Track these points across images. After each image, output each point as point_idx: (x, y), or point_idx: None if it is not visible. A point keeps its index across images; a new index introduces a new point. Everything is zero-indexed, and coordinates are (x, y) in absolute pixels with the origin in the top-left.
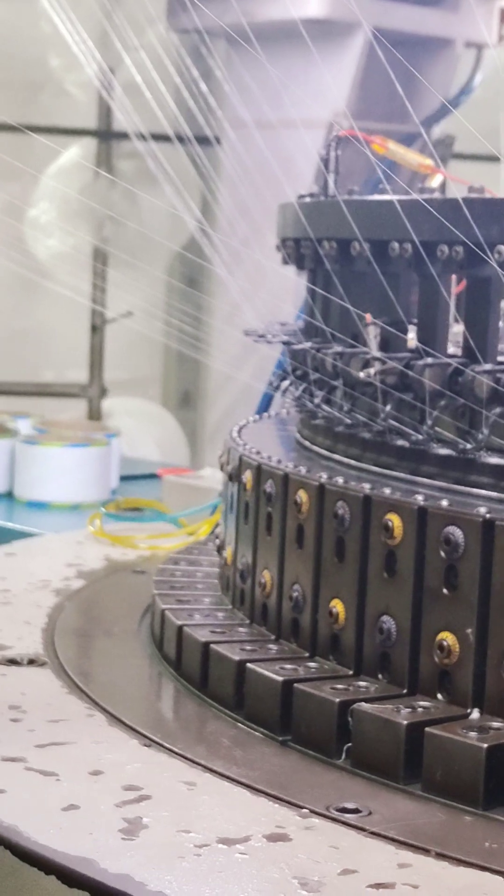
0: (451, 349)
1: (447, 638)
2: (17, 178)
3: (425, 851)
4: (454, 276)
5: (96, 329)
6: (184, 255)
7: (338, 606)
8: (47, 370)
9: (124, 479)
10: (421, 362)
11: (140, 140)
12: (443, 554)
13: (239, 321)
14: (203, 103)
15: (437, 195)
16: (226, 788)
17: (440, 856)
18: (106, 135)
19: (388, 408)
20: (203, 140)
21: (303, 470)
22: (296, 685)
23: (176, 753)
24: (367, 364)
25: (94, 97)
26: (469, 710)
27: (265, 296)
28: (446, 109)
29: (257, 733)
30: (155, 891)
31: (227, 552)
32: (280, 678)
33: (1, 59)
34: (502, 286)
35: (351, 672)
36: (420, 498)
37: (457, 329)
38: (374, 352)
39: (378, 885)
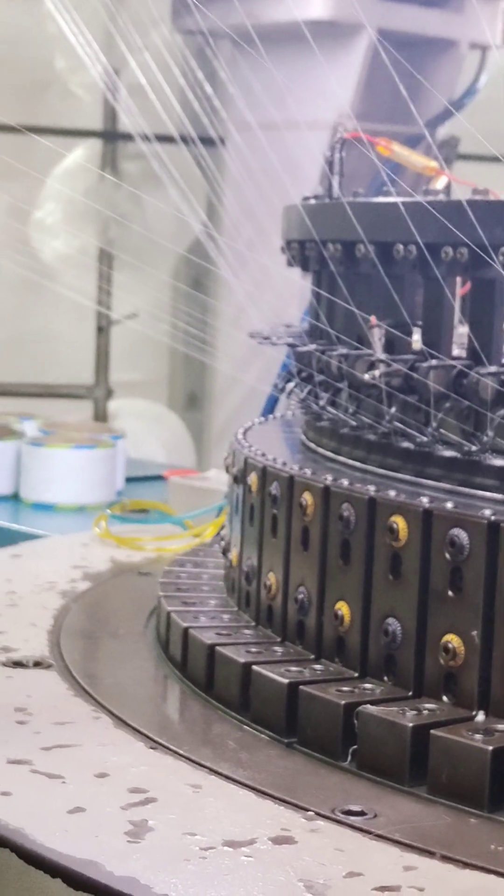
0: (455, 351)
1: (452, 640)
2: (23, 180)
3: (431, 854)
4: (459, 278)
5: (102, 330)
6: (190, 257)
7: (343, 609)
8: (53, 371)
9: (130, 480)
10: (426, 364)
11: (145, 142)
12: (448, 556)
13: (244, 323)
14: (208, 105)
15: (441, 197)
16: (231, 791)
17: (446, 858)
18: (111, 136)
19: (392, 410)
20: (208, 141)
21: (308, 472)
22: (301, 687)
23: (182, 756)
24: (371, 366)
25: (100, 98)
26: (474, 713)
27: (270, 298)
28: (450, 111)
29: (263, 735)
30: (160, 893)
31: (233, 554)
32: (286, 680)
33: (6, 60)
34: None
35: (356, 674)
36: (425, 500)
37: (461, 331)
38: (379, 354)
39: (383, 888)
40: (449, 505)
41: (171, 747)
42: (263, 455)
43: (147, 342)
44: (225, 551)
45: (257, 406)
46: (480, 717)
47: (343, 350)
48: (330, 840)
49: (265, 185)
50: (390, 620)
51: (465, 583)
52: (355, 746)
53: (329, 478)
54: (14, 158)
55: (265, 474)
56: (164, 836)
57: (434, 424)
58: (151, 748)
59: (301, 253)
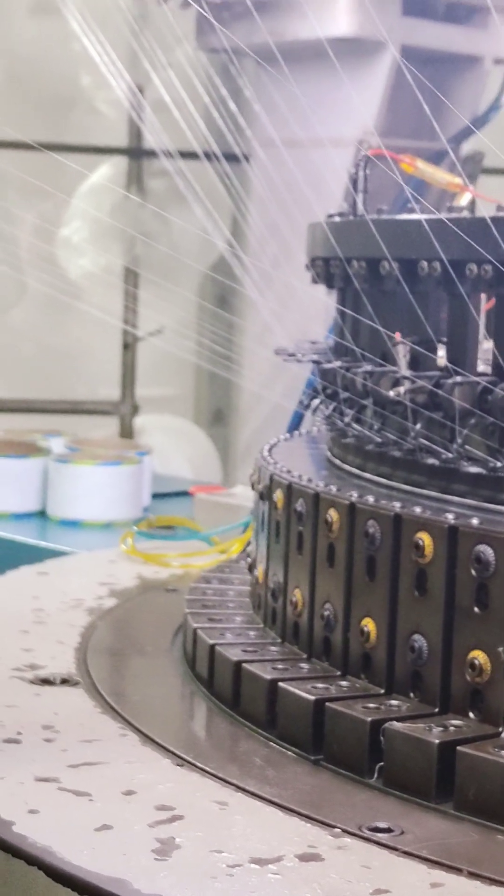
0: (480, 367)
1: (478, 657)
2: (50, 198)
3: (458, 871)
4: (483, 295)
5: (128, 347)
6: (216, 274)
7: (369, 625)
8: (80, 387)
9: (156, 496)
10: (450, 381)
11: (169, 159)
12: (473, 572)
13: (269, 340)
14: (231, 122)
15: (465, 214)
16: (258, 808)
17: (473, 875)
18: (137, 153)
19: (418, 426)
20: (232, 158)
21: (333, 489)
22: (327, 704)
23: (208, 773)
24: (396, 383)
25: (125, 115)
26: (501, 729)
27: (295, 315)
28: (475, 126)
29: (289, 752)
30: None
31: (259, 571)
32: (312, 697)
33: (32, 77)
34: None
35: (382, 691)
36: (450, 516)
37: (486, 347)
38: (404, 371)
39: None
40: (474, 521)
41: (198, 764)
42: (289, 472)
43: (173, 358)
44: (251, 568)
45: (283, 421)
46: None
47: (368, 367)
48: (357, 857)
49: (290, 203)
50: (416, 637)
51: (491, 599)
52: (382, 763)
53: (354, 494)
54: (41, 176)
55: (291, 491)
56: (191, 854)
57: (459, 441)
58: (178, 765)
59: (326, 270)
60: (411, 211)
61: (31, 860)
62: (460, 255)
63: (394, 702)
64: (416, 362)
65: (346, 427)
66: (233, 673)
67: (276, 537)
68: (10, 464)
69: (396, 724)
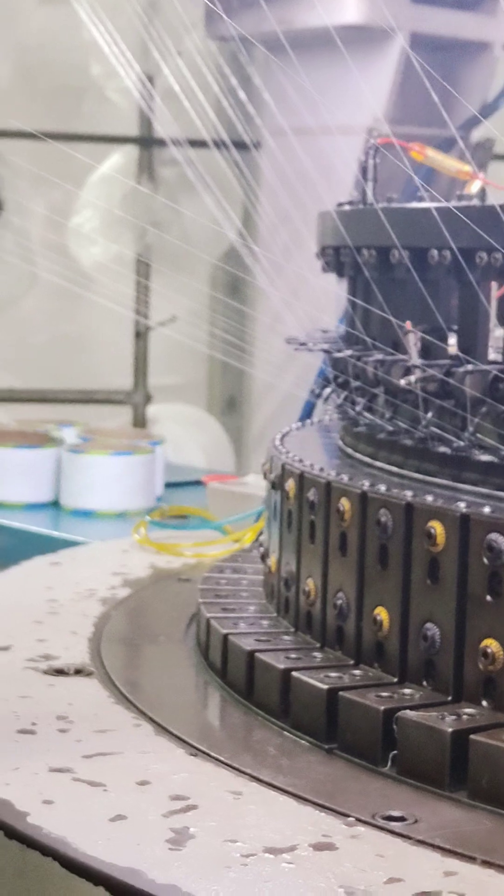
0: (491, 355)
1: (491, 645)
2: (61, 187)
3: (471, 859)
4: (494, 283)
5: (140, 336)
6: (227, 261)
7: (382, 614)
8: (92, 377)
9: (169, 486)
10: (461, 369)
11: (179, 148)
12: (486, 560)
13: (281, 329)
14: (241, 111)
15: (475, 202)
16: (272, 797)
17: (486, 863)
18: (147, 141)
19: (429, 415)
20: (242, 147)
21: (345, 478)
22: (341, 693)
23: (222, 763)
24: (407, 372)
25: (136, 104)
26: None
27: (306, 304)
28: (485, 113)
29: (303, 741)
30: None
31: (271, 560)
32: (325, 686)
33: (42, 67)
34: None
35: (395, 679)
36: (462, 505)
37: (497, 335)
38: (415, 359)
39: (424, 894)
40: (486, 510)
41: (212, 754)
42: (301, 461)
43: (185, 346)
44: (264, 557)
45: (296, 409)
46: None
47: (379, 356)
48: (370, 846)
49: (300, 191)
50: (429, 625)
51: None
52: (395, 752)
53: (366, 483)
54: (52, 165)
55: (303, 480)
56: (205, 844)
57: (470, 429)
58: (192, 755)
59: (336, 259)
60: (421, 199)
61: (46, 851)
62: (470, 244)
63: (407, 690)
64: (427, 351)
65: (358, 416)
66: (246, 662)
67: (288, 526)
68: (23, 454)
69: (409, 713)
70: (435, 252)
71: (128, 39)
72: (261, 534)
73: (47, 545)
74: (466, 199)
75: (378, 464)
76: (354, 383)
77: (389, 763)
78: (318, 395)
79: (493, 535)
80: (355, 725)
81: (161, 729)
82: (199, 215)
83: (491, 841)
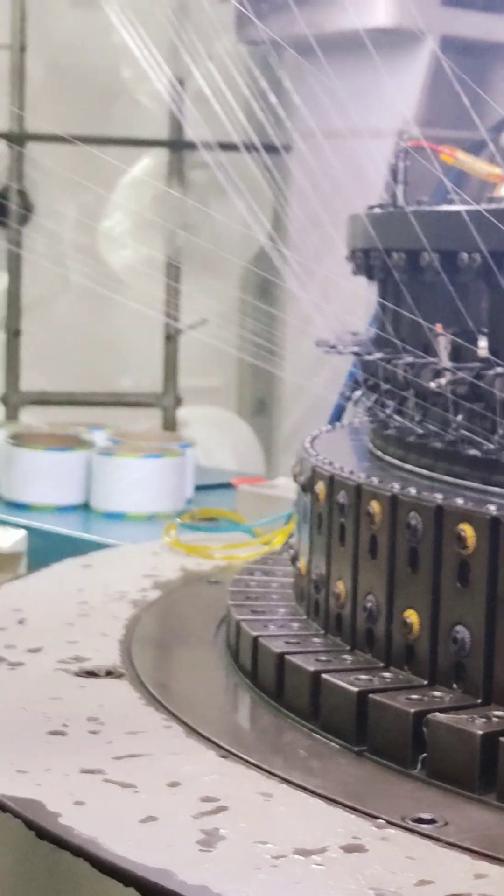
0: None
1: None
2: (91, 190)
3: (501, 862)
4: None
5: (170, 338)
6: (257, 264)
7: (412, 616)
8: (122, 380)
9: (199, 488)
10: (492, 372)
11: (209, 151)
12: None
13: (311, 331)
14: (272, 114)
15: None
16: (302, 799)
17: None
18: (178, 145)
19: (459, 418)
20: (272, 150)
21: (375, 481)
22: (371, 696)
23: (252, 764)
24: (437, 374)
25: (166, 107)
26: None
27: (336, 307)
28: None
29: (333, 744)
30: None
31: (301, 563)
32: (355, 689)
33: (73, 70)
34: None
35: (425, 682)
36: (493, 508)
37: None
38: (445, 362)
39: None
40: None
41: (242, 756)
42: (331, 464)
43: (215, 348)
44: (294, 560)
45: (326, 411)
46: None
47: (409, 358)
48: (401, 848)
49: (330, 194)
50: (459, 628)
51: None
52: (425, 754)
53: (396, 486)
54: (83, 168)
55: (333, 483)
56: (235, 845)
57: (501, 432)
58: (222, 757)
59: (366, 262)
60: (451, 202)
61: (77, 851)
62: (501, 246)
63: (437, 693)
64: (457, 353)
65: (388, 418)
66: (276, 664)
67: (318, 529)
68: (54, 457)
69: (439, 716)
70: (465, 255)
71: (158, 43)
72: (291, 536)
73: (78, 547)
74: (497, 201)
75: (408, 466)
76: (384, 386)
77: (419, 765)
78: (348, 398)
79: None
80: (385, 728)
81: (191, 731)
82: (229, 218)
83: None
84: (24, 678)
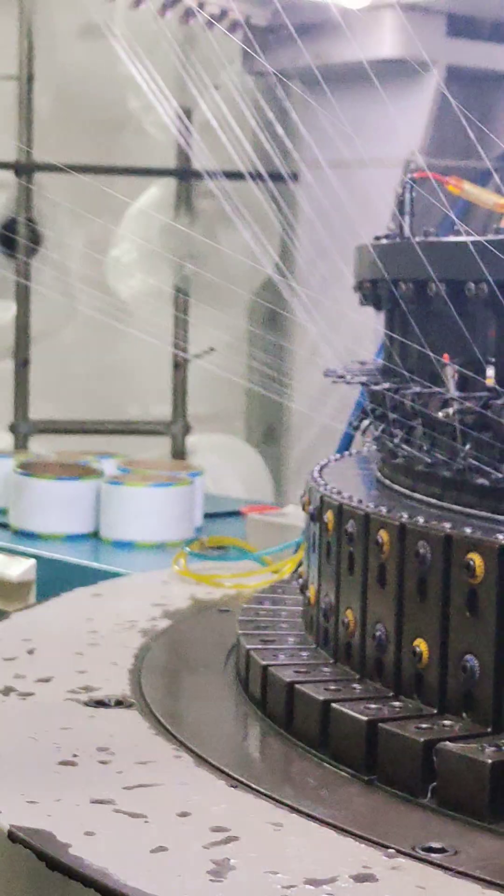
0: None
1: None
2: (99, 220)
3: None
4: None
5: (179, 366)
6: (264, 292)
7: (421, 645)
8: (131, 408)
9: (208, 516)
10: (499, 401)
11: (216, 181)
12: None
13: (319, 361)
14: (278, 144)
15: None
16: (312, 829)
17: None
18: (185, 174)
19: (467, 447)
20: (279, 179)
21: (384, 510)
22: (380, 725)
23: (262, 794)
24: (445, 404)
25: (173, 137)
26: None
27: (344, 337)
28: None
29: (343, 773)
30: None
31: (311, 591)
32: (365, 718)
33: (80, 100)
34: None
35: (435, 711)
36: (501, 537)
37: None
38: (452, 392)
39: None
40: None
41: (252, 785)
42: (339, 493)
43: (224, 376)
44: (303, 588)
45: (334, 441)
46: None
47: (416, 388)
48: (411, 877)
49: (337, 225)
50: (468, 657)
51: None
52: (435, 783)
53: (405, 515)
54: (91, 198)
55: (341, 512)
56: (246, 875)
57: None
58: (232, 786)
59: (373, 292)
60: (458, 232)
61: (88, 882)
62: None
63: (446, 722)
64: (464, 383)
65: (396, 448)
66: (286, 694)
67: (327, 558)
68: (63, 486)
69: (449, 745)
70: (472, 285)
71: (165, 74)
72: (300, 565)
73: (87, 576)
74: (503, 232)
75: (416, 496)
76: (392, 415)
77: (429, 794)
78: (357, 428)
79: None
80: (395, 757)
81: (201, 760)
82: (236, 248)
83: None
84: (34, 708)
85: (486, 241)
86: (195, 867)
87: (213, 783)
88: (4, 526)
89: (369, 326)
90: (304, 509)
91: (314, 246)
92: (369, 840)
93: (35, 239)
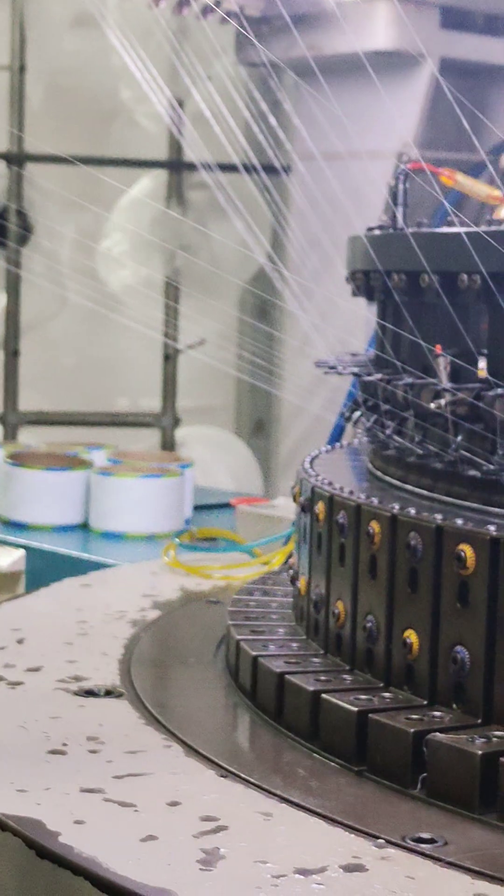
0: None
1: None
2: (90, 210)
3: (502, 881)
4: None
5: (169, 358)
6: (255, 284)
7: (411, 637)
8: (121, 400)
9: (198, 508)
10: (491, 393)
11: (208, 172)
12: None
13: (310, 352)
14: (271, 136)
15: None
16: (302, 819)
17: None
18: (177, 165)
19: (458, 438)
20: (272, 170)
21: (375, 501)
22: (371, 715)
23: (252, 784)
24: (437, 395)
25: (165, 128)
26: None
27: (335, 327)
28: None
29: (333, 763)
30: None
31: (301, 582)
32: (355, 708)
33: (72, 91)
34: None
35: (425, 702)
36: (492, 528)
37: None
38: (444, 383)
39: None
40: None
41: (242, 775)
42: (330, 484)
43: (214, 368)
44: (293, 579)
45: (325, 431)
46: None
47: (408, 379)
48: (401, 868)
49: (330, 216)
50: (459, 648)
51: None
52: (425, 774)
53: (396, 506)
54: (82, 188)
55: (332, 503)
56: (235, 864)
57: (500, 452)
58: (222, 776)
59: (366, 283)
60: (451, 224)
61: (78, 870)
62: (500, 268)
63: (436, 713)
64: (456, 374)
65: (388, 439)
66: (276, 684)
67: (317, 549)
68: (52, 476)
69: (439, 736)
70: (465, 276)
71: (158, 64)
72: (290, 556)
73: (77, 567)
74: (496, 223)
75: (408, 487)
76: (384, 407)
77: (419, 785)
78: (348, 419)
79: None
80: (385, 748)
81: (191, 750)
82: (228, 239)
83: None
84: (23, 697)
85: (479, 233)
86: (185, 856)
87: (202, 773)
88: None
89: (361, 317)
90: (294, 500)
91: (306, 237)
92: (359, 830)
93: (26, 229)
